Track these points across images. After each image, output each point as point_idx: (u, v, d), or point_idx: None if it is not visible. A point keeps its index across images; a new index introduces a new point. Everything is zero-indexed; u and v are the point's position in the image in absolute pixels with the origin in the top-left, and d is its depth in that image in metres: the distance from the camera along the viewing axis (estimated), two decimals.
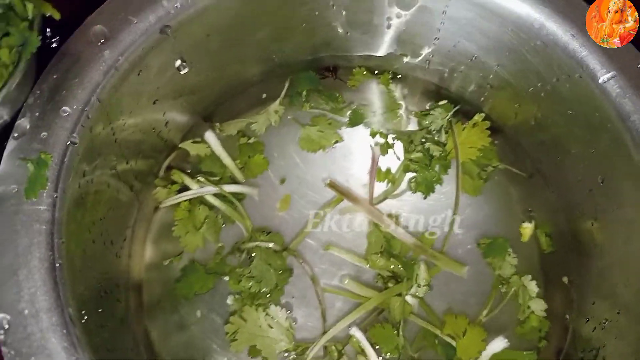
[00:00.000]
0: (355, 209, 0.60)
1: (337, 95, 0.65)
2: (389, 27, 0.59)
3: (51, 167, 0.41)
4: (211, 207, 0.60)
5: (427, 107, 0.64)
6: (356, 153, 0.63)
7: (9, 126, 0.43)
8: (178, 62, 0.54)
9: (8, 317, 0.35)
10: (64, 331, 0.36)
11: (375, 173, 0.62)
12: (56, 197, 0.41)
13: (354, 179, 0.62)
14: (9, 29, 0.43)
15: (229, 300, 0.57)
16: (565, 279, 0.56)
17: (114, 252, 0.51)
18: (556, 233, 0.58)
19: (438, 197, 0.61)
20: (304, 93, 0.64)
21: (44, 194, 0.41)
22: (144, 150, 0.57)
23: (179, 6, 0.50)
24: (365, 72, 0.65)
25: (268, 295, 0.56)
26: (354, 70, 0.65)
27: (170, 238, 0.59)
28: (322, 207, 0.60)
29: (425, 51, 0.61)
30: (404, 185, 0.62)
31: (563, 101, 0.52)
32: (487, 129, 0.62)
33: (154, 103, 0.54)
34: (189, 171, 0.62)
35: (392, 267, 0.57)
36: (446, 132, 0.63)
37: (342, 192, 0.61)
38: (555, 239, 0.58)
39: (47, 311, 0.36)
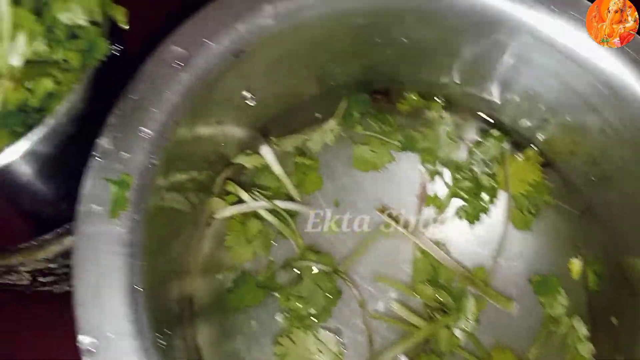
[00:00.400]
0: (403, 234, 0.61)
1: (389, 118, 0.66)
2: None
3: (132, 188, 0.43)
4: (263, 221, 0.61)
5: (479, 136, 0.65)
6: (405, 177, 0.64)
7: (74, 136, 0.44)
8: (246, 87, 0.55)
9: (96, 341, 0.36)
10: (145, 357, 0.37)
11: (424, 198, 0.63)
12: (136, 218, 0.42)
13: (402, 202, 0.63)
14: (76, 31, 0.43)
15: (278, 317, 0.58)
16: (614, 320, 0.56)
17: (177, 269, 0.52)
18: (606, 272, 0.58)
19: (485, 227, 0.62)
20: (357, 115, 0.65)
21: (125, 215, 0.42)
22: (204, 165, 0.58)
23: (254, 30, 0.51)
24: (416, 98, 0.66)
25: (316, 317, 0.57)
26: (405, 94, 0.66)
27: (221, 249, 0.60)
28: (371, 230, 0.61)
29: (488, 84, 0.61)
30: (450, 212, 0.63)
31: (625, 144, 0.52)
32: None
33: (218, 123, 0.55)
34: (243, 184, 0.63)
35: (439, 297, 0.58)
36: (497, 163, 0.63)
37: (391, 216, 0.62)
38: (604, 277, 0.58)
39: (130, 335, 0.38)
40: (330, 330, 0.56)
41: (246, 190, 0.62)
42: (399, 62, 0.62)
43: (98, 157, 0.44)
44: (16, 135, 0.38)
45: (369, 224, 0.62)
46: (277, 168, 0.63)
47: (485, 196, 0.62)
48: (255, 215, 0.62)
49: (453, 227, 0.62)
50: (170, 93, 0.47)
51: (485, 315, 0.57)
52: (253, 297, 0.59)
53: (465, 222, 0.61)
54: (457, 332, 0.56)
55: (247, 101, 0.56)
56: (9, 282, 0.56)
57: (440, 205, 0.62)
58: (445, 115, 0.65)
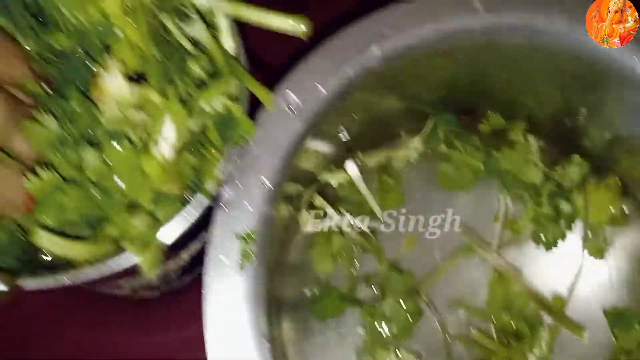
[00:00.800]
0: (480, 256, 0.64)
1: (473, 138, 0.67)
2: None
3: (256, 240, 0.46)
4: (347, 235, 0.64)
5: (560, 161, 0.66)
6: (485, 198, 0.66)
7: None
8: (342, 123, 0.56)
9: None
10: None
11: (502, 221, 0.65)
12: (259, 269, 0.45)
13: (481, 224, 0.65)
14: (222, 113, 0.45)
15: (360, 330, 0.62)
16: None
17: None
18: None
19: (561, 254, 0.64)
20: (442, 133, 0.66)
21: (250, 267, 0.45)
22: (296, 182, 0.61)
23: (361, 72, 0.52)
24: (500, 119, 0.66)
25: (397, 337, 0.61)
26: (488, 115, 0.66)
27: (306, 262, 0.64)
28: (450, 250, 0.64)
29: (576, 113, 0.62)
30: (527, 237, 0.65)
31: None
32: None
33: (314, 156, 0.58)
34: (329, 198, 0.65)
35: (514, 323, 0.61)
36: (577, 189, 0.65)
37: (470, 237, 0.64)
38: None
39: None
40: (410, 350, 0.60)
41: (332, 206, 0.64)
42: (492, 90, 0.62)
43: (221, 206, 0.46)
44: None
45: (448, 243, 0.64)
46: (361, 185, 0.65)
47: (563, 222, 0.64)
48: (340, 230, 0.65)
49: (530, 252, 0.64)
50: (284, 140, 0.49)
51: (557, 341, 0.61)
52: (335, 309, 0.63)
53: (541, 248, 0.64)
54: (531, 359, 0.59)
55: (341, 135, 0.57)
56: (112, 293, 0.61)
57: (518, 229, 0.65)
58: (529, 137, 0.66)
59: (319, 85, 0.50)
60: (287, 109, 0.49)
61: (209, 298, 0.44)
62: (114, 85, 0.39)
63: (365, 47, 0.52)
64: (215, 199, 0.46)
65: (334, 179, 0.65)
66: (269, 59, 0.55)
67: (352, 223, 0.64)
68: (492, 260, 0.63)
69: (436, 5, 0.53)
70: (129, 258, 0.43)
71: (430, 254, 0.64)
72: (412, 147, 0.66)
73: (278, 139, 0.49)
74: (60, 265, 0.43)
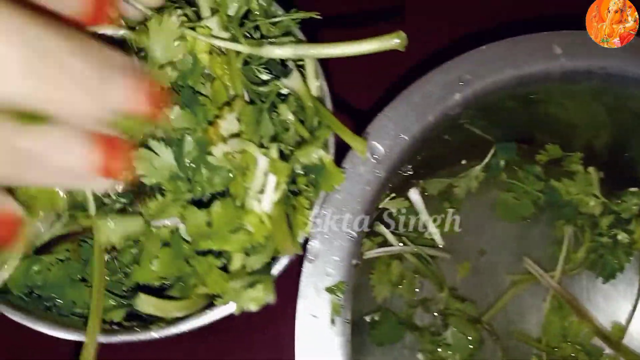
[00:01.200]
0: (539, 285, 0.65)
1: (533, 167, 0.67)
2: None
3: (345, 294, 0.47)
4: (407, 262, 0.66)
5: (618, 191, 0.67)
6: (543, 228, 0.67)
7: None
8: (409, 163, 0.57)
9: None
10: None
11: (563, 251, 0.66)
12: (348, 323, 0.47)
13: (540, 253, 0.66)
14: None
15: (420, 356, 0.64)
16: None
17: None
18: None
19: (618, 283, 0.65)
20: (502, 162, 0.67)
21: (339, 321, 0.46)
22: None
23: (442, 118, 0.52)
24: (558, 149, 0.67)
25: None
26: (546, 146, 0.67)
27: (364, 287, 0.65)
28: (508, 278, 0.66)
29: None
30: (586, 267, 0.66)
31: None
32: None
33: None
34: (388, 225, 0.66)
35: (574, 354, 0.63)
36: (635, 221, 0.66)
37: (530, 266, 0.65)
38: None
39: None
40: None
41: (393, 234, 0.65)
42: (552, 122, 0.63)
43: (309, 261, 0.47)
44: None
45: (506, 272, 0.66)
46: (423, 212, 0.66)
47: (621, 253, 0.65)
48: (399, 256, 0.66)
49: (588, 282, 0.65)
50: (369, 189, 0.50)
51: None
52: (394, 334, 0.65)
53: (600, 279, 0.65)
54: None
55: (406, 172, 0.58)
56: None
57: (576, 260, 0.66)
58: (590, 169, 0.67)
59: (402, 134, 0.50)
60: (371, 158, 0.50)
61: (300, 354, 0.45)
62: (229, 126, 0.40)
63: (446, 93, 0.52)
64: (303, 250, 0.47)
65: (394, 206, 0.66)
66: (351, 103, 0.55)
67: (413, 251, 0.65)
68: (550, 289, 0.64)
69: (515, 50, 0.53)
70: (223, 310, 0.44)
71: (489, 281, 0.65)
72: (473, 176, 0.67)
73: (364, 189, 0.49)
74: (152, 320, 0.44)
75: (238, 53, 0.42)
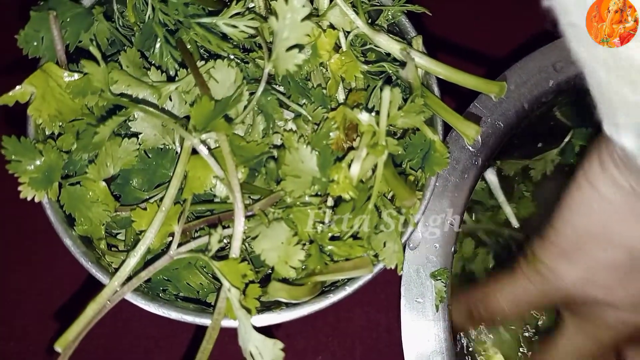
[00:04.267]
0: None
1: None
2: None
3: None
4: (480, 241, 0.67)
5: None
6: None
7: None
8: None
9: None
10: None
11: None
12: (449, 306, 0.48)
13: None
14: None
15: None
16: None
17: None
18: None
19: None
20: (577, 146, 0.67)
21: (442, 306, 0.48)
22: None
23: (531, 107, 0.53)
24: None
25: None
26: None
27: None
28: None
29: None
30: None
31: None
32: None
33: None
34: None
35: None
36: None
37: None
38: None
39: None
40: None
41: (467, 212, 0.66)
42: None
43: (410, 248, 0.48)
44: None
45: None
46: (499, 193, 0.67)
47: None
48: (471, 235, 0.67)
49: None
50: (467, 178, 0.51)
51: None
52: None
53: None
54: None
55: None
56: None
57: None
58: None
59: (498, 122, 0.51)
60: (469, 147, 0.50)
61: (406, 336, 0.46)
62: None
63: (541, 80, 0.52)
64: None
65: None
66: None
67: (488, 229, 0.66)
68: None
69: None
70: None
71: None
72: (549, 159, 0.67)
73: (460, 176, 0.50)
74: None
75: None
